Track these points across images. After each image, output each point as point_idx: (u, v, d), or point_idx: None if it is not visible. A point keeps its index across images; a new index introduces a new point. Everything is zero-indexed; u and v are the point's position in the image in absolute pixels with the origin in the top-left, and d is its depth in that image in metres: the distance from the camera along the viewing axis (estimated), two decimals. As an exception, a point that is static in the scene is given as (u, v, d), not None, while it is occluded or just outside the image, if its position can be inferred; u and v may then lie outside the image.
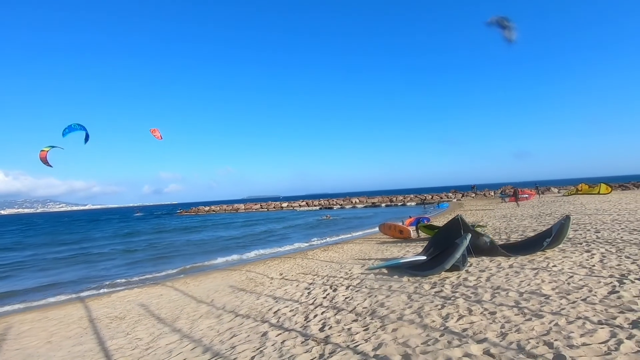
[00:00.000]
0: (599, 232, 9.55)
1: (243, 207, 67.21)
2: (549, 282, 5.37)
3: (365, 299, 5.78)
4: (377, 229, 18.22)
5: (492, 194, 46.84)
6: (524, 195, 28.82)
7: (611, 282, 5.05)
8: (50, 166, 11.74)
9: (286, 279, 8.85)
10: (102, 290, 11.37)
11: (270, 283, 8.65)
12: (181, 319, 6.44)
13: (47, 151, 11.54)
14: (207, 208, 71.21)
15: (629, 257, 6.41)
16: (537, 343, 3.39)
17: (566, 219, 7.84)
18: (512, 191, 25.73)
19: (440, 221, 16.90)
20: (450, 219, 8.92)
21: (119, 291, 10.79)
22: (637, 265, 5.82)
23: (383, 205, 53.25)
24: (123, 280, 13.00)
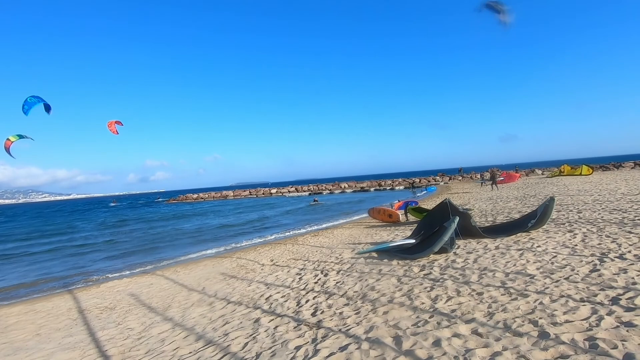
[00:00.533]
0: (581, 213, 9.83)
1: (232, 194, 66.77)
2: (534, 262, 5.53)
3: (356, 283, 5.86)
4: (366, 213, 18.39)
5: (479, 176, 47.60)
6: (501, 179, 29.68)
7: (592, 261, 5.23)
8: (13, 157, 11.27)
9: (277, 265, 8.89)
10: (90, 281, 11.24)
11: (262, 269, 8.68)
12: (173, 308, 6.43)
13: (13, 141, 11.03)
14: (195, 196, 70.50)
15: (609, 236, 6.64)
16: (523, 322, 3.51)
17: (550, 200, 8.03)
18: (490, 175, 26.19)
19: (428, 204, 17.12)
20: (438, 202, 9.05)
21: (108, 281, 10.68)
22: (617, 244, 6.04)
23: (372, 189, 53.61)
24: (111, 270, 12.87)
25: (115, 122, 13.18)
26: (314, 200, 35.15)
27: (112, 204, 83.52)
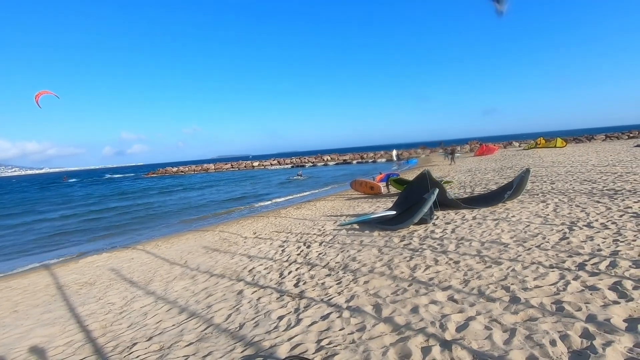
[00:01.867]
0: (554, 184, 10.22)
1: (213, 167, 65.72)
2: (508, 232, 5.75)
3: (337, 254, 5.97)
4: (348, 185, 18.54)
5: (459, 149, 48.44)
6: (458, 155, 31.78)
7: (562, 230, 5.48)
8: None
9: (260, 238, 8.93)
10: (68, 257, 11.01)
11: (244, 242, 8.70)
12: (154, 282, 6.41)
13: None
14: (175, 169, 69.05)
15: (578, 206, 6.95)
16: (496, 288, 3.68)
17: (526, 172, 8.27)
18: (450, 150, 27.74)
19: (409, 176, 17.38)
20: (417, 174, 9.17)
21: (87, 256, 10.50)
22: (586, 213, 6.33)
23: (354, 162, 53.88)
24: (90, 245, 12.64)
25: (45, 92, 12.45)
26: (298, 174, 34.88)
27: (65, 180, 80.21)
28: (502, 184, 10.52)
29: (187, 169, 67.30)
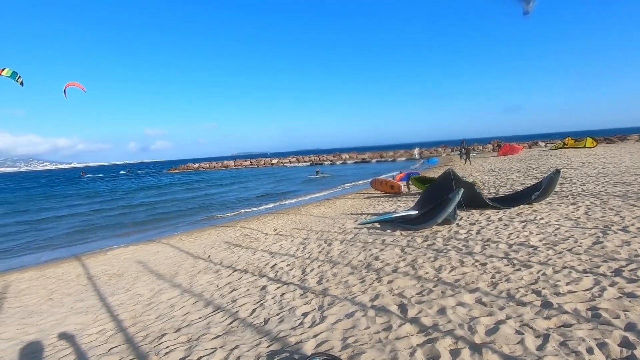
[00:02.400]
0: (584, 185, 9.82)
1: (233, 164, 66.75)
2: (537, 234, 5.58)
3: (359, 253, 5.95)
4: (368, 184, 18.43)
5: (481, 148, 47.24)
6: (473, 154, 30.92)
7: (595, 233, 5.27)
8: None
9: (281, 235, 9.01)
10: (97, 249, 11.45)
11: (265, 239, 8.81)
12: (180, 275, 6.58)
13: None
14: (196, 165, 70.56)
15: (612, 209, 6.66)
16: (526, 291, 3.58)
17: (556, 172, 7.99)
18: (465, 150, 27.17)
19: (431, 176, 17.11)
20: (441, 173, 9.01)
21: (114, 249, 10.89)
22: (620, 216, 6.06)
23: (373, 161, 53.46)
24: (117, 240, 13.11)
25: (75, 84, 12.89)
26: (317, 172, 34.78)
27: (84, 176, 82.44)
28: (529, 185, 10.21)
29: (207, 165, 68.64)
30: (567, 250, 4.66)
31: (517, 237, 5.58)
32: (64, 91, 12.43)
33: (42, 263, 10.19)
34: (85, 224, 17.16)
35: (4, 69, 9.90)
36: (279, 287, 4.91)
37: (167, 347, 3.59)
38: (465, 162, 25.76)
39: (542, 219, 6.56)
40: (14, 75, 9.96)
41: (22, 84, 10.10)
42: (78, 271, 8.26)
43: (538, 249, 4.88)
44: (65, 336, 4.40)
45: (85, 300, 5.91)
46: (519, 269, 4.21)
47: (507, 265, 4.42)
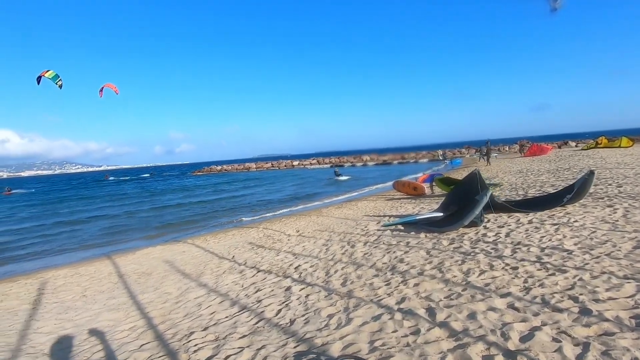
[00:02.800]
0: (621, 187, 9.31)
1: (254, 166, 67.70)
2: (571, 238, 5.33)
3: (384, 255, 5.88)
4: (389, 186, 18.22)
5: (507, 149, 45.79)
6: (495, 155, 30.34)
7: (636, 237, 4.97)
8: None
9: (303, 236, 9.04)
10: (127, 249, 11.87)
11: (288, 240, 8.86)
12: (206, 274, 6.72)
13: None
14: (219, 167, 72.06)
15: (654, 212, 6.28)
16: (562, 297, 3.42)
17: (590, 174, 7.63)
18: (486, 151, 26.46)
19: (455, 177, 16.72)
20: (467, 174, 8.78)
21: (143, 248, 11.25)
22: (664, 220, 5.70)
23: (395, 162, 52.90)
24: (146, 241, 13.54)
25: (110, 85, 13.13)
26: (335, 172, 34.19)
27: (107, 178, 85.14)
28: (560, 187, 9.80)
29: (230, 167, 69.95)
30: (605, 255, 4.42)
31: (550, 240, 5.35)
32: (101, 90, 12.74)
33: (75, 261, 10.66)
34: (115, 225, 17.83)
35: (48, 70, 10.37)
36: (304, 288, 4.91)
37: (195, 345, 3.66)
38: (487, 163, 25.22)
39: (576, 221, 6.26)
40: (55, 77, 10.42)
41: (61, 86, 10.53)
42: (109, 269, 8.59)
43: (573, 253, 4.66)
44: (98, 332, 4.58)
45: (116, 297, 6.14)
46: (553, 274, 4.03)
47: (540, 269, 4.24)
